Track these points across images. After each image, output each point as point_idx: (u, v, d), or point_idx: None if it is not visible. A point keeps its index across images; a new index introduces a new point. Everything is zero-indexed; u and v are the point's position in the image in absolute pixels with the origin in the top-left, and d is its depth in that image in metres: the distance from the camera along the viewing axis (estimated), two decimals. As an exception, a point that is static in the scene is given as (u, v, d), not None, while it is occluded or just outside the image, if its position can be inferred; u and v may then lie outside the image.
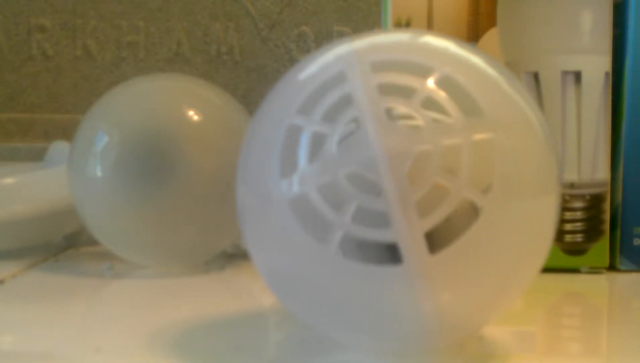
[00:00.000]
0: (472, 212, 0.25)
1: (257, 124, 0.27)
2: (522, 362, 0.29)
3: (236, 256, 0.46)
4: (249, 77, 0.61)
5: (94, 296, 0.40)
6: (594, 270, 0.43)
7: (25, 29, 0.62)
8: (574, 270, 0.43)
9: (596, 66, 0.43)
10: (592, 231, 0.43)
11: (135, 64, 0.62)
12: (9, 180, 0.46)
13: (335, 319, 0.26)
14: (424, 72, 0.25)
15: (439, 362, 0.29)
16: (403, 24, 0.43)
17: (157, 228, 0.41)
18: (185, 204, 0.41)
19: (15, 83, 0.62)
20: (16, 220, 0.46)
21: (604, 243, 0.43)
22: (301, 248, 0.25)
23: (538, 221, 0.26)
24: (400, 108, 0.25)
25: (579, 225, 0.43)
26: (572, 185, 0.43)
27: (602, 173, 0.43)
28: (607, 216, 0.43)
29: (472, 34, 0.43)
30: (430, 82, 0.25)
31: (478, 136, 0.24)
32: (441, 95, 0.25)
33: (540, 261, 0.27)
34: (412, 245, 0.24)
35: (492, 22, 0.43)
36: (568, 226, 0.43)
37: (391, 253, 0.24)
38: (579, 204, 0.43)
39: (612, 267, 0.43)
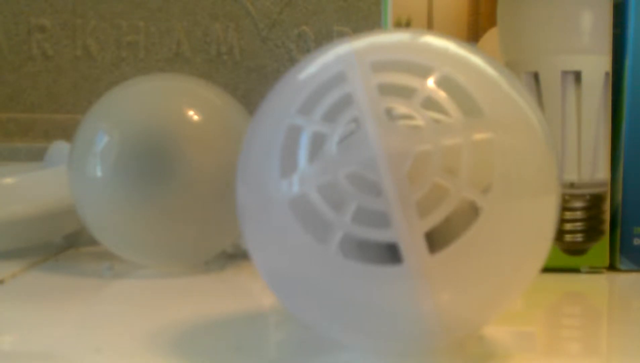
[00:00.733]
0: (472, 212, 0.25)
1: (257, 124, 0.27)
2: (522, 362, 0.29)
3: (236, 256, 0.46)
4: (249, 77, 0.61)
5: (94, 296, 0.40)
6: (594, 270, 0.43)
7: (25, 29, 0.62)
8: (574, 270, 0.43)
9: (596, 66, 0.43)
10: (592, 231, 0.43)
11: (135, 64, 0.62)
12: (9, 180, 0.46)
13: (335, 319, 0.26)
14: (424, 72, 0.25)
15: (439, 362, 0.29)
16: (403, 24, 0.43)
17: (157, 228, 0.41)
18: (185, 204, 0.41)
19: (15, 83, 0.62)
20: (16, 220, 0.46)
21: (604, 243, 0.43)
22: (301, 248, 0.25)
23: (538, 221, 0.26)
24: (400, 108, 0.25)
25: (579, 225, 0.43)
26: (572, 185, 0.43)
27: (602, 173, 0.43)
28: (607, 216, 0.43)
29: (472, 34, 0.43)
30: (430, 82, 0.25)
31: (478, 136, 0.24)
32: (441, 95, 0.25)
33: (540, 261, 0.27)
34: (412, 245, 0.24)
35: (492, 22, 0.43)
36: (568, 226, 0.43)
37: (391, 253, 0.24)
38: (579, 204, 0.43)
39: (612, 267, 0.43)
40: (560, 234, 0.43)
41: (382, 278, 0.24)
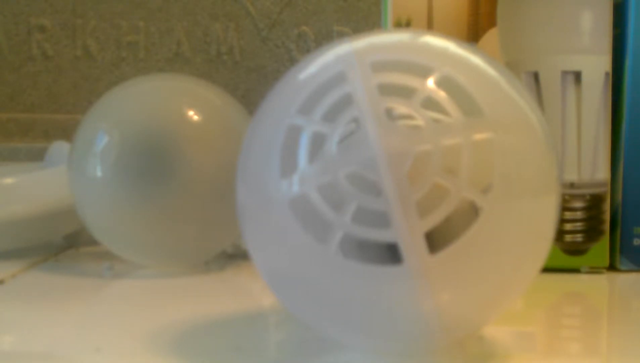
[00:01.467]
0: (472, 212, 0.25)
1: (257, 124, 0.27)
2: (522, 362, 0.29)
3: (236, 256, 0.46)
4: (249, 77, 0.61)
5: (94, 296, 0.40)
6: (594, 270, 0.43)
7: (25, 29, 0.62)
8: (574, 270, 0.43)
9: (596, 66, 0.43)
10: (592, 231, 0.43)
11: (135, 64, 0.62)
12: (9, 180, 0.46)
13: (335, 319, 0.26)
14: (424, 72, 0.25)
15: (439, 362, 0.29)
16: (403, 24, 0.43)
17: (157, 228, 0.41)
18: (185, 204, 0.41)
19: (15, 83, 0.62)
20: (16, 220, 0.46)
21: (604, 243, 0.43)
22: (301, 248, 0.25)
23: (538, 221, 0.26)
24: (400, 108, 0.25)
25: (579, 225, 0.43)
26: (572, 185, 0.43)
27: (602, 173, 0.43)
28: (607, 216, 0.43)
29: (472, 34, 0.43)
30: (430, 82, 0.25)
31: (478, 136, 0.24)
32: (441, 95, 0.25)
33: (540, 261, 0.27)
34: (412, 245, 0.24)
35: (492, 22, 0.43)
36: (568, 226, 0.43)
37: (391, 253, 0.24)
38: (579, 204, 0.43)
39: (612, 267, 0.43)
40: (560, 234, 0.43)
41: (382, 278, 0.24)
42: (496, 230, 0.25)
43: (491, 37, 0.43)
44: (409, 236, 0.24)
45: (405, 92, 0.25)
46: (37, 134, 0.63)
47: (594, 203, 0.43)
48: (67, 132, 0.60)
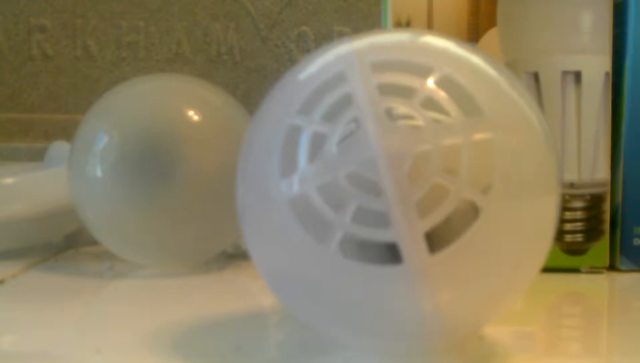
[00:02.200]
0: (472, 212, 0.25)
1: (257, 124, 0.27)
2: (522, 362, 0.29)
3: (236, 256, 0.46)
4: (249, 77, 0.61)
5: (94, 296, 0.40)
6: (594, 270, 0.43)
7: (25, 29, 0.62)
8: (574, 270, 0.43)
9: (596, 66, 0.43)
10: (592, 231, 0.43)
11: (135, 64, 0.62)
12: (9, 180, 0.46)
13: (335, 319, 0.26)
14: (424, 72, 0.25)
15: (439, 362, 0.29)
16: (403, 24, 0.43)
17: (157, 228, 0.41)
18: (185, 204, 0.41)
19: (15, 83, 0.62)
20: (16, 220, 0.46)
21: (604, 243, 0.43)
22: (301, 248, 0.25)
23: (538, 221, 0.26)
24: (400, 108, 0.25)
25: (579, 225, 0.43)
26: (572, 185, 0.43)
27: (602, 173, 0.43)
28: (607, 216, 0.43)
29: (472, 34, 0.43)
30: (430, 82, 0.25)
31: (478, 136, 0.24)
32: (441, 95, 0.25)
33: (540, 261, 0.27)
34: (412, 245, 0.24)
35: (492, 22, 0.43)
36: (568, 226, 0.43)
37: (391, 253, 0.24)
38: (579, 204, 0.43)
39: (612, 267, 0.43)
40: (560, 234, 0.43)
41: (382, 278, 0.24)
42: (496, 229, 0.25)
43: (491, 37, 0.43)
44: (409, 236, 0.24)
45: (405, 92, 0.25)
46: (37, 134, 0.63)
47: (594, 203, 0.43)
48: (67, 132, 0.60)
